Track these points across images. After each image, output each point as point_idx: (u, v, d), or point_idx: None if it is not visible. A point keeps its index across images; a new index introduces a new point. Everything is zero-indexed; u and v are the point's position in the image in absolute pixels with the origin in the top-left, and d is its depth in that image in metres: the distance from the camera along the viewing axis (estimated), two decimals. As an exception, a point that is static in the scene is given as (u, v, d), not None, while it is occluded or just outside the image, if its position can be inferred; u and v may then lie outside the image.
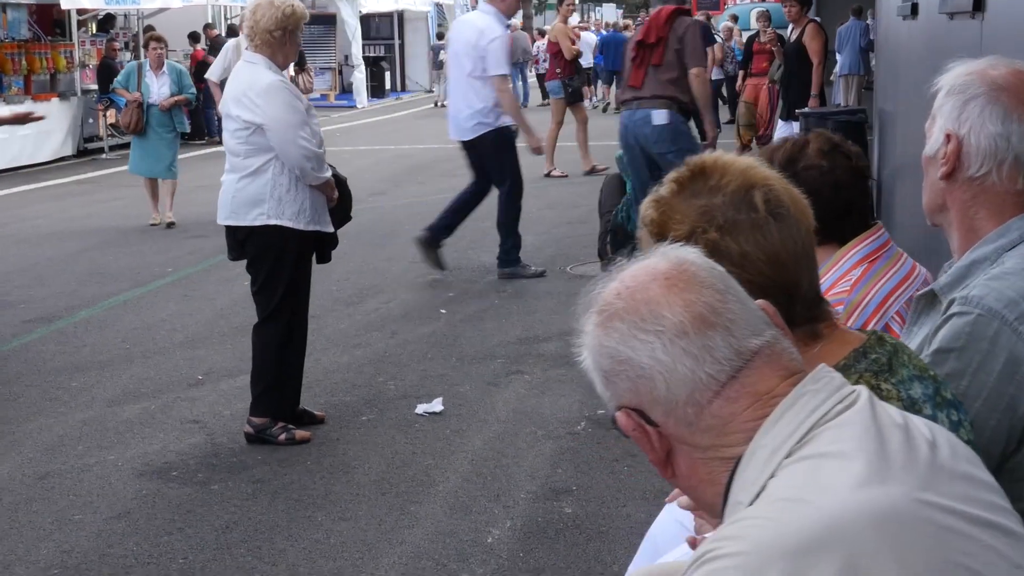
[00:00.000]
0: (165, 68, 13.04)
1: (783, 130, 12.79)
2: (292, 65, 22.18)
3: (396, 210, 13.55)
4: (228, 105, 6.04)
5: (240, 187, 6.02)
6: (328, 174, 6.14)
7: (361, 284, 9.72)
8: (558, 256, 10.60)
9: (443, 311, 8.84)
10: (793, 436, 1.60)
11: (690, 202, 2.06)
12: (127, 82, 12.98)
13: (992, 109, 2.35)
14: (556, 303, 8.88)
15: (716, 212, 2.03)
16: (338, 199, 6.33)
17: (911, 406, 2.00)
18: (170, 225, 12.76)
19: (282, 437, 6.07)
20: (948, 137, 2.39)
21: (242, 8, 25.67)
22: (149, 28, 21.03)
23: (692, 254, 1.74)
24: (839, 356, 2.05)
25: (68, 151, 19.47)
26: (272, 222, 5.99)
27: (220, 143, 22.25)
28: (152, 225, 12.84)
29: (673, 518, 3.13)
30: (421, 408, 6.57)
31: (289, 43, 6.10)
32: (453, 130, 9.82)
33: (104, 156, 19.86)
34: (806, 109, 11.71)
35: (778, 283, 1.99)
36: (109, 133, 20.08)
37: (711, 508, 1.72)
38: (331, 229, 6.27)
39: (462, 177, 11.74)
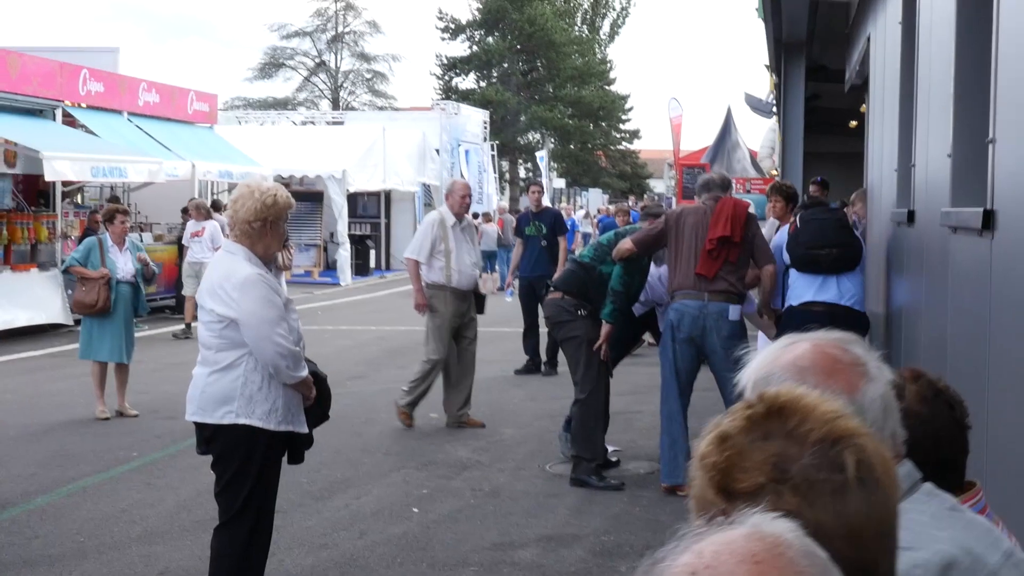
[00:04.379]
0: (127, 242, 12.24)
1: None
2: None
3: (374, 396, 13.22)
4: (203, 297, 5.79)
5: (210, 382, 5.73)
6: (304, 372, 5.83)
7: (332, 477, 9.34)
8: (537, 452, 10.25)
9: (415, 509, 8.46)
10: None
11: (762, 447, 1.68)
12: (86, 258, 11.92)
13: None
14: (533, 504, 8.53)
15: (793, 466, 1.66)
16: (316, 398, 6.02)
17: None
18: (120, 415, 11.84)
19: (236, 651, 5.66)
20: None
21: (228, 184, 25.89)
22: (114, 199, 20.97)
23: (790, 532, 1.40)
24: None
25: (42, 320, 19.02)
26: (241, 421, 5.68)
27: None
28: (101, 420, 11.66)
29: None
30: (387, 622, 6.17)
31: (270, 234, 5.84)
32: None
33: (75, 328, 19.52)
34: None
35: (853, 563, 1.65)
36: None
37: None
38: (305, 430, 5.94)
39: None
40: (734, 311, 8.81)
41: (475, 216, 31.39)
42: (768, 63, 18.82)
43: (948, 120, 5.63)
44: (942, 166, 5.84)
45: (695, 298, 8.76)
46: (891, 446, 2.21)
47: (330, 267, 31.57)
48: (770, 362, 2.24)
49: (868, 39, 11.48)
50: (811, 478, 1.64)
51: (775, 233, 12.56)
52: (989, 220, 4.42)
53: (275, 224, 5.82)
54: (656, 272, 9.64)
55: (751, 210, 9.48)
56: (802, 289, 9.09)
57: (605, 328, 9.03)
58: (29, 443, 10.65)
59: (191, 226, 19.71)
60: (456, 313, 11.37)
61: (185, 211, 22.47)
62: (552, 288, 9.70)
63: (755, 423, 1.70)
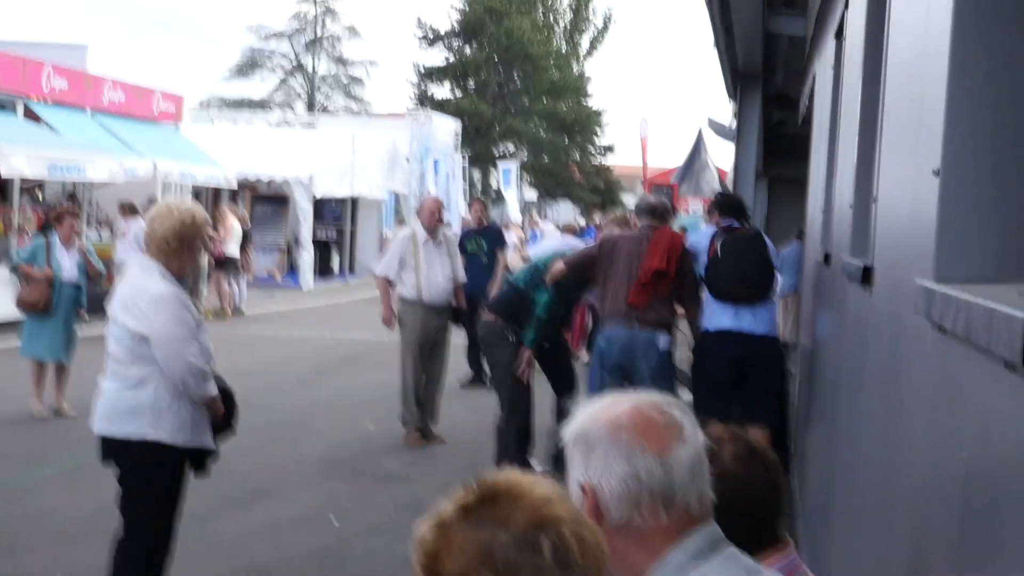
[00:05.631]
0: (75, 244, 12.38)
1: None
2: (237, 242, 22.26)
3: (316, 405, 13.30)
4: (115, 311, 5.87)
5: (120, 397, 5.81)
6: (213, 391, 5.92)
7: (258, 484, 9.44)
8: (468, 468, 10.33)
9: (336, 522, 8.57)
10: None
11: (471, 534, 1.83)
12: (33, 258, 12.12)
13: (615, 450, 2.28)
14: (454, 522, 8.62)
15: (497, 551, 1.80)
16: (223, 413, 6.11)
17: None
18: (57, 414, 11.97)
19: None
20: (584, 490, 2.30)
21: (192, 185, 25.86)
22: (71, 197, 20.95)
23: None
24: None
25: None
26: (149, 437, 5.77)
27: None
28: (37, 418, 11.82)
29: None
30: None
31: (187, 252, 5.93)
32: None
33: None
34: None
35: None
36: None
37: None
38: (212, 446, 6.03)
39: (393, 371, 11.60)
40: (664, 341, 8.94)
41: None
42: (727, 90, 19.00)
43: (852, 173, 5.80)
44: (847, 216, 6.00)
45: (626, 327, 8.89)
46: (699, 507, 2.34)
47: (293, 269, 31.62)
48: (591, 417, 2.38)
49: (814, 76, 11.65)
50: (512, 563, 1.78)
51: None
52: (868, 275, 4.57)
53: (192, 243, 5.91)
54: None
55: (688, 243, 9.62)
56: (719, 316, 9.15)
57: (525, 354, 9.20)
58: (-40, 440, 10.71)
59: (121, 225, 19.83)
60: (425, 328, 11.40)
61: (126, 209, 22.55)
62: (487, 307, 9.84)
63: (468, 510, 1.85)
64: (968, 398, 2.44)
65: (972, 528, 2.34)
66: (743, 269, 9.10)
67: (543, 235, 40.18)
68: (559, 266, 9.15)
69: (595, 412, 2.37)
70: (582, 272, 9.22)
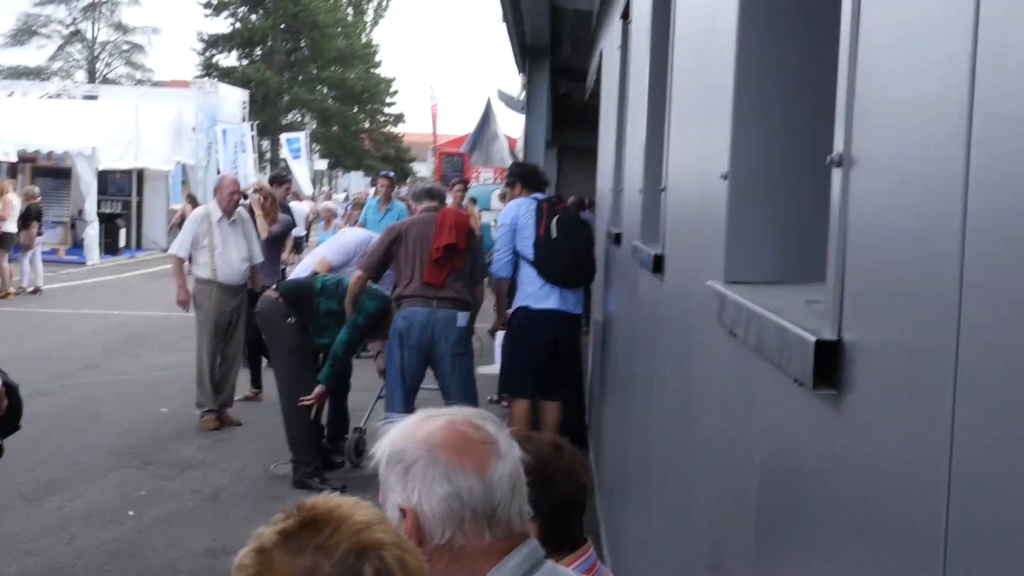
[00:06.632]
0: None
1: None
2: (19, 219, 21.50)
3: (105, 388, 12.96)
4: None
5: None
6: (-4, 383, 5.73)
7: (48, 476, 9.17)
8: (264, 451, 10.25)
9: (131, 512, 8.40)
10: None
11: (293, 559, 1.81)
12: None
13: (434, 470, 2.25)
14: (252, 507, 8.54)
15: None
16: (7, 408, 5.91)
17: None
18: None
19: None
20: (403, 512, 2.26)
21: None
22: None
23: None
24: None
25: None
26: (-73, 434, 5.56)
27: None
28: None
29: None
30: (82, 636, 6.14)
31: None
32: None
33: None
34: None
35: None
36: None
37: None
38: (-4, 441, 5.84)
39: (183, 351, 11.35)
40: (462, 318, 9.00)
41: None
42: (516, 63, 19.17)
43: (641, 160, 5.92)
44: (636, 201, 6.12)
45: (424, 305, 8.91)
46: (519, 522, 2.33)
47: (78, 245, 30.66)
48: (405, 436, 2.34)
49: (601, 53, 11.83)
50: None
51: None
52: (660, 264, 4.69)
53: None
54: None
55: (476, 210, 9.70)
56: (547, 296, 9.18)
57: (319, 389, 9.10)
58: None
59: None
60: (220, 308, 11.19)
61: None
62: (276, 286, 9.74)
63: (288, 536, 1.84)
64: (760, 405, 2.52)
65: (765, 530, 2.43)
66: (579, 252, 9.24)
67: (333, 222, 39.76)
68: (357, 275, 9.11)
69: (408, 430, 2.33)
70: (381, 268, 9.21)
